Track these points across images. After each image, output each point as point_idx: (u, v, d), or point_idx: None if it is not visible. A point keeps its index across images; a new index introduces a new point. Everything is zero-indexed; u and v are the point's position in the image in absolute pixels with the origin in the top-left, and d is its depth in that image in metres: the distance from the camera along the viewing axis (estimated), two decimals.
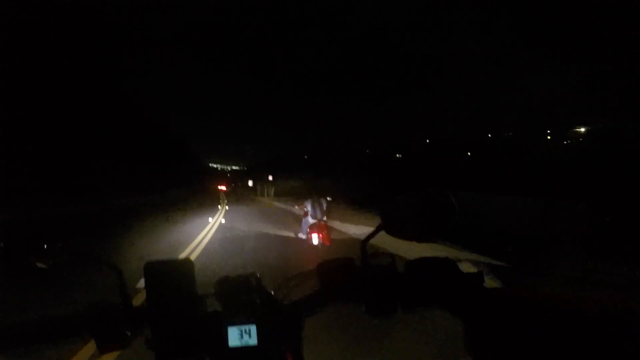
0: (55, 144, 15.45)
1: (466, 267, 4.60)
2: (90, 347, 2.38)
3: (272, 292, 0.69)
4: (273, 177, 30.68)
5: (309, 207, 7.06)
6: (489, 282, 4.15)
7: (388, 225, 0.62)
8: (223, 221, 11.60)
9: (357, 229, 8.85)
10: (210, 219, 11.81)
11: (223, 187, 41.59)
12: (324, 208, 7.09)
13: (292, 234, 8.20)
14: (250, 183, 38.66)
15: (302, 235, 7.38)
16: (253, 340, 0.63)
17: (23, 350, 0.58)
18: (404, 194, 0.61)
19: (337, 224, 9.62)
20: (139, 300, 0.65)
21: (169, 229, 9.63)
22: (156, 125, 33.92)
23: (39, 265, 0.65)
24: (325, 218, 7.06)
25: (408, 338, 2.67)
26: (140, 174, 23.77)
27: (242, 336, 0.63)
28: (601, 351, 0.46)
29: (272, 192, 29.86)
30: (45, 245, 0.65)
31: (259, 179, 35.44)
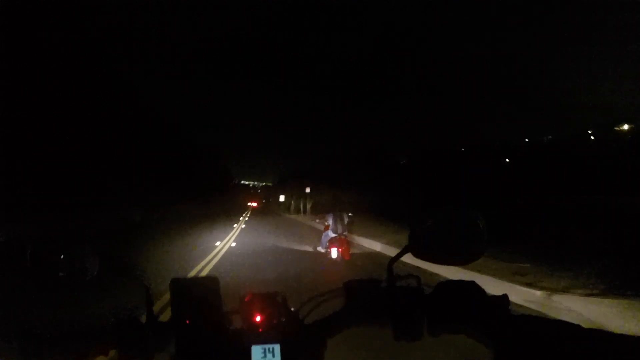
0: (72, 158, 15.23)
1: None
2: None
3: (293, 310, 0.68)
4: (310, 190, 23.82)
5: (330, 221, 7.02)
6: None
7: (415, 248, 0.62)
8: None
9: (378, 244, 8.49)
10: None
11: (254, 204, 42.61)
12: (346, 223, 7.03)
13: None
14: (281, 198, 36.00)
15: (321, 249, 7.32)
16: None
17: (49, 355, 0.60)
18: (432, 214, 0.61)
19: (357, 239, 9.34)
20: (164, 315, 0.66)
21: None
22: (186, 141, 34.54)
23: (63, 267, 0.67)
24: (346, 233, 6.99)
25: None
26: (172, 188, 24.13)
27: (265, 355, 0.62)
28: None
29: (309, 208, 24.06)
30: (73, 249, 0.68)
31: (292, 193, 30.51)
